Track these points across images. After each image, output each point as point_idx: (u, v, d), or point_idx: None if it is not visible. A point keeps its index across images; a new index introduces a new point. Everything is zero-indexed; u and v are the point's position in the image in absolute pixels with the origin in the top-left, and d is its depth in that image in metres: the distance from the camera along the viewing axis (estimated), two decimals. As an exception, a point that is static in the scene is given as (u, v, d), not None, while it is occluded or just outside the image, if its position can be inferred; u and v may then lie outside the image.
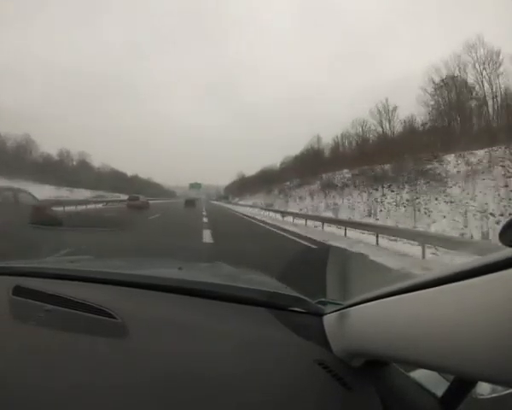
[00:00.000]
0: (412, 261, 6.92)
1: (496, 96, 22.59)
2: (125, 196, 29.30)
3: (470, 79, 24.22)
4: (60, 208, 13.60)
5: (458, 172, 17.30)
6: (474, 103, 23.77)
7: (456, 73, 24.80)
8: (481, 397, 0.59)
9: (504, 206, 13.72)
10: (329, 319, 0.74)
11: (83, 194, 34.17)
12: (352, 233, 11.02)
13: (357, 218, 18.28)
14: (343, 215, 19.31)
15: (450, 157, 18.74)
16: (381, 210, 19.63)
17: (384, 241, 9.24)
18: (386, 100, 30.55)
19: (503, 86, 22.40)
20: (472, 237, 11.80)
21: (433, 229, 13.39)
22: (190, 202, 34.69)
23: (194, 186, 72.14)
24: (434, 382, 0.62)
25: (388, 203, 19.74)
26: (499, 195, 14.32)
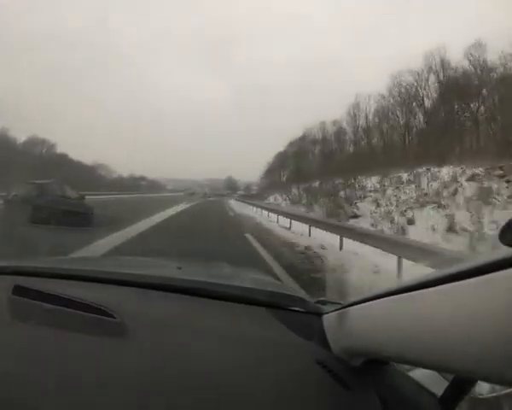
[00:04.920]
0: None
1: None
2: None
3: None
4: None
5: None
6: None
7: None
8: (481, 396, 0.60)
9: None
10: (329, 319, 0.74)
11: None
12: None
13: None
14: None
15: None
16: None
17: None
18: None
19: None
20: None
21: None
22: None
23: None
24: (434, 381, 0.62)
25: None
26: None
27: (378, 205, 15.58)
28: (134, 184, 55.64)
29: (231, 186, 69.16)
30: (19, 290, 0.79)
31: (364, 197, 17.33)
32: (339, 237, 7.22)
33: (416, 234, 10.02)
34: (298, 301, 0.88)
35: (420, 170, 16.30)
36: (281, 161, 39.16)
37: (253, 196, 40.77)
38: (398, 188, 16.41)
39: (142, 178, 63.94)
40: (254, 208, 20.76)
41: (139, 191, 46.29)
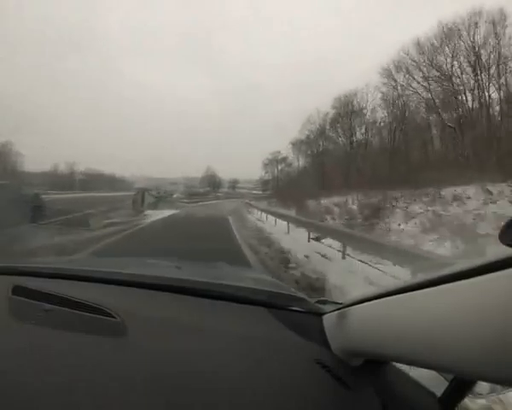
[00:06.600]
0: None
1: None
2: None
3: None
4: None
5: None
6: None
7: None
8: (480, 396, 0.60)
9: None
10: (329, 319, 0.74)
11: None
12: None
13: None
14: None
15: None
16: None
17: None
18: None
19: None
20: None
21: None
22: None
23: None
24: (433, 381, 0.62)
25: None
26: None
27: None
28: (65, 180, 35.42)
29: (211, 182, 50.67)
30: (18, 290, 0.79)
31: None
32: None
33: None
34: (298, 301, 0.88)
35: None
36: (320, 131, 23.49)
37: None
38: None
39: (100, 174, 38.82)
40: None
41: (64, 191, 26.46)
